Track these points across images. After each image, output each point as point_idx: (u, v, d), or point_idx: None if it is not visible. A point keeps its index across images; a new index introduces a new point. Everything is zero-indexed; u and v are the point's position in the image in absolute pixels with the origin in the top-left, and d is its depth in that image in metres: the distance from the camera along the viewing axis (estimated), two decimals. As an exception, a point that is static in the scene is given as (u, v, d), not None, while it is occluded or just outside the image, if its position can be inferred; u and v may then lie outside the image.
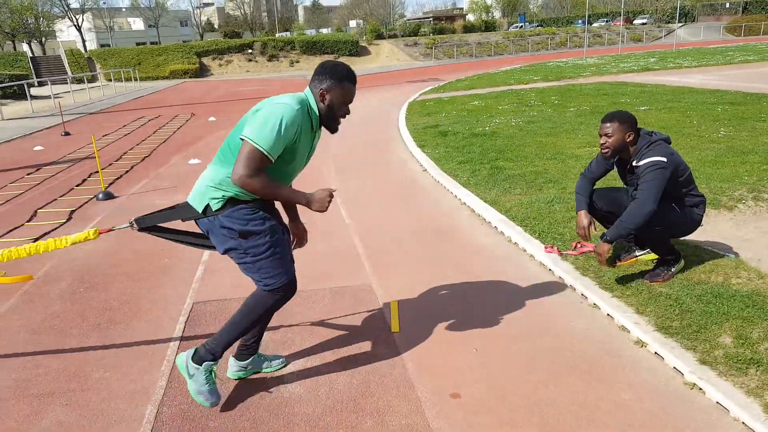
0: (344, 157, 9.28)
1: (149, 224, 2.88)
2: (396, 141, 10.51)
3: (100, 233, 3.03)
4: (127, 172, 8.80)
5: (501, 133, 9.74)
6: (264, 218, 2.71)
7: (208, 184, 2.69)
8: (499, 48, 51.14)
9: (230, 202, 2.67)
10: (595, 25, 61.48)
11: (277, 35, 64.97)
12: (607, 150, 3.72)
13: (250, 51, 49.72)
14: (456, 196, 6.40)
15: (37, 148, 11.87)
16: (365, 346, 3.39)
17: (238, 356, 3.09)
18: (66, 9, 62.56)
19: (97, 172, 8.54)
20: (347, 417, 2.75)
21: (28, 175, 8.99)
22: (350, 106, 2.81)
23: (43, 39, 61.42)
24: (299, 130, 2.63)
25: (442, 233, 5.30)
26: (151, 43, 64.85)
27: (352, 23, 75.80)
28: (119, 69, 36.21)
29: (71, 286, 4.51)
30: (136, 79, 36.27)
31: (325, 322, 3.71)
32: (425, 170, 7.81)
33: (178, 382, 3.11)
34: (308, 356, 3.31)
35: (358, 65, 47.78)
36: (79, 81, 33.73)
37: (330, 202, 2.73)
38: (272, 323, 3.67)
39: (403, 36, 56.19)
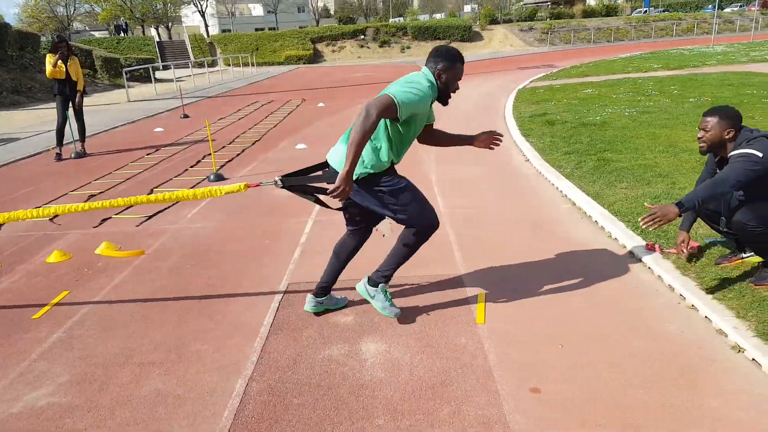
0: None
1: (293, 184, 3.45)
2: (501, 129, 10.20)
3: (248, 187, 3.58)
4: (238, 155, 9.25)
5: (612, 124, 9.36)
6: (396, 178, 3.29)
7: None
8: (619, 34, 48.62)
9: (371, 175, 3.21)
10: (726, 10, 56.76)
11: (390, 21, 65.15)
12: (703, 145, 3.60)
13: (362, 37, 50.33)
14: (558, 188, 6.22)
15: (158, 129, 12.62)
16: (448, 335, 3.41)
17: (316, 294, 3.67)
18: (191, -7, 65.92)
19: (210, 154, 9.06)
20: (425, 404, 2.79)
21: (147, 155, 9.65)
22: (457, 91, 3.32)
23: (170, 24, 65.33)
24: (424, 102, 3.11)
25: (540, 226, 5.19)
26: (270, 28, 67.06)
27: (467, 8, 74.69)
28: (238, 54, 37.83)
29: (179, 262, 4.81)
30: (253, 65, 37.84)
31: (411, 309, 3.75)
32: (528, 160, 7.63)
33: (268, 358, 3.28)
34: (391, 341, 3.38)
35: (469, 51, 46.94)
36: (200, 65, 35.53)
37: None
38: (359, 306, 3.79)
39: (518, 21, 54.55)
